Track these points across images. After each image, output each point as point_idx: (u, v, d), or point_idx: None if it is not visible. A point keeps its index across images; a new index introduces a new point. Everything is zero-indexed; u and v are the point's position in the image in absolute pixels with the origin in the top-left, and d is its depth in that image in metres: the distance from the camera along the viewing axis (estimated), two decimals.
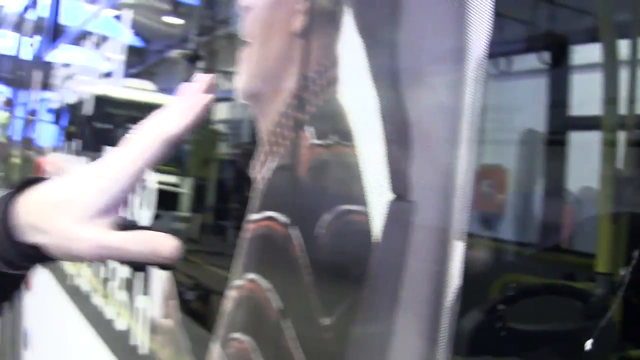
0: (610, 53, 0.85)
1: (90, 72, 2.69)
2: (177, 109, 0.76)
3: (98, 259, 0.75)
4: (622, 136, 0.87)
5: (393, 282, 0.77)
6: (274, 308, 0.97)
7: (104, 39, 2.48)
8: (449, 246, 0.70)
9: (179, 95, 0.76)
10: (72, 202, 0.72)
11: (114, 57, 2.25)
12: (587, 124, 1.12)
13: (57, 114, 3.56)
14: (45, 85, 4.18)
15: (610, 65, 0.85)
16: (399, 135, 0.76)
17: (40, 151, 5.00)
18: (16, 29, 6.64)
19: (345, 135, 0.83)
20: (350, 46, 0.85)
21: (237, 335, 1.09)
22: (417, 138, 0.74)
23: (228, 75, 2.09)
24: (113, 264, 1.96)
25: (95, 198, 0.72)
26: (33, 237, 0.75)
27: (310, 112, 0.92)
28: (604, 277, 1.12)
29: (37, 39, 4.76)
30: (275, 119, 1.00)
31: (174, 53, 2.43)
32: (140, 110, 2.27)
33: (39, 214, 0.74)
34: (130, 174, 0.73)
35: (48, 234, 0.73)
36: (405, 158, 0.75)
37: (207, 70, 2.16)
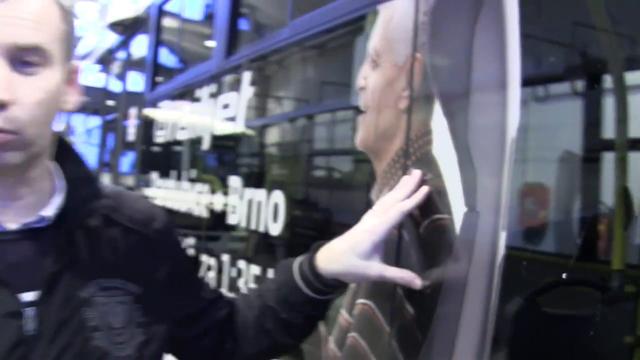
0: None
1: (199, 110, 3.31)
2: (407, 192, 1.42)
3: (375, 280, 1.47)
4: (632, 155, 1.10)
5: (465, 263, 1.34)
6: None
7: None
8: (498, 244, 1.27)
9: (405, 182, 1.42)
10: (356, 248, 1.38)
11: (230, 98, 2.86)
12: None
13: (162, 146, 4.18)
14: (141, 118, 4.84)
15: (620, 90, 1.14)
16: (467, 166, 1.35)
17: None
18: (104, 63, 7.35)
19: (436, 173, 1.42)
20: (439, 118, 1.44)
21: (361, 300, 1.68)
22: (477, 164, 1.32)
23: (279, 99, 2.63)
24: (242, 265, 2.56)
25: (369, 245, 1.38)
26: (332, 272, 1.40)
27: (413, 160, 1.51)
28: (618, 273, 1.30)
29: (135, 75, 5.47)
30: (388, 162, 1.60)
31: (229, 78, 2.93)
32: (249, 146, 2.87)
33: (338, 256, 1.40)
34: (384, 232, 1.39)
35: (346, 270, 1.39)
36: (471, 180, 1.33)
37: (260, 95, 2.73)
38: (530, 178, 1.42)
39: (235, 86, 2.79)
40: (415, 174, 1.44)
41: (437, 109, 1.45)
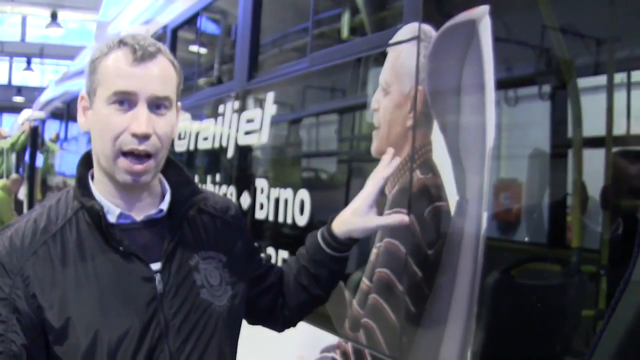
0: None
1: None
2: (384, 166, 1.90)
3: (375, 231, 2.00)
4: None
5: (458, 236, 1.90)
6: (402, 250, 2.11)
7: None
8: (482, 222, 1.83)
9: (384, 161, 1.90)
10: (357, 211, 1.84)
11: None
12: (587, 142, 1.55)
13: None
14: None
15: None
16: (458, 166, 1.91)
17: None
18: None
19: (435, 172, 1.98)
20: (438, 133, 2.00)
21: (379, 269, 2.23)
22: (465, 165, 1.88)
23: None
24: None
25: (366, 207, 1.84)
26: (343, 231, 1.86)
27: (417, 163, 2.07)
28: (576, 250, 1.69)
29: None
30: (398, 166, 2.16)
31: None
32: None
33: (346, 219, 1.85)
34: (375, 193, 1.85)
35: (353, 227, 1.85)
36: (461, 177, 1.89)
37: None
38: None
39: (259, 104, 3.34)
40: (389, 151, 1.90)
41: (436, 126, 2.01)
